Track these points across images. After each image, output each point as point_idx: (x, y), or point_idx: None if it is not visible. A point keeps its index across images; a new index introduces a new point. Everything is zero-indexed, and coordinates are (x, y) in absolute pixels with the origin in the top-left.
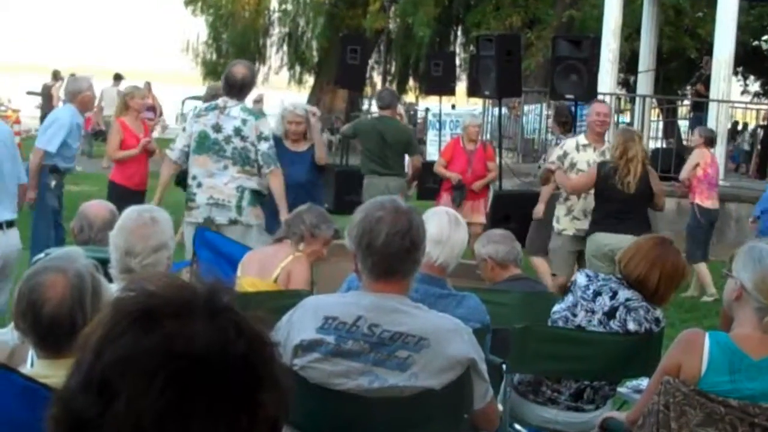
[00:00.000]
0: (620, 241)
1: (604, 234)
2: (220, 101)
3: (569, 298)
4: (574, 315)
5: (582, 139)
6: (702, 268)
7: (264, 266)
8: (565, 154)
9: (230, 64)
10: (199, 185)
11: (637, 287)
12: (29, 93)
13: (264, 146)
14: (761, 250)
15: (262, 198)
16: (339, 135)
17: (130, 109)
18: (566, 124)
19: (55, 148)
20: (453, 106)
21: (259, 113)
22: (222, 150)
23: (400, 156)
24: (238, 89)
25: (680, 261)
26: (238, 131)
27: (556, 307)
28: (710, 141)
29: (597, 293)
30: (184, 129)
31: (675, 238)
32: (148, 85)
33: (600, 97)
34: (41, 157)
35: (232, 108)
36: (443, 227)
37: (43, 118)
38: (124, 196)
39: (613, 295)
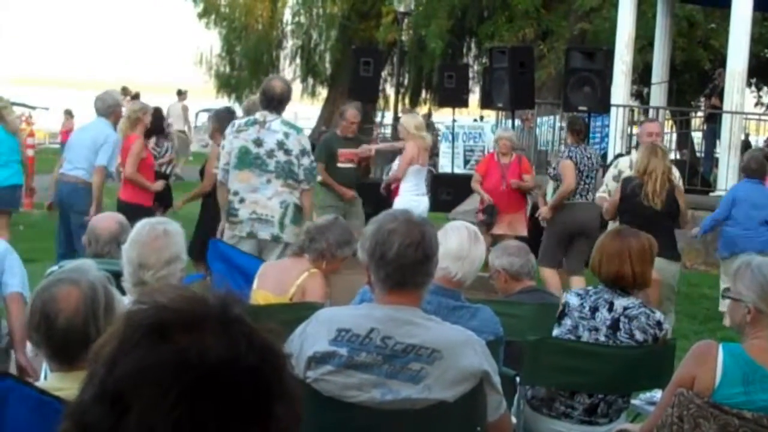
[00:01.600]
0: None
1: None
2: (258, 115)
3: (567, 322)
4: (578, 337)
5: (625, 160)
6: None
7: (279, 282)
8: (620, 173)
9: (267, 79)
10: (242, 200)
11: (620, 285)
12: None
13: (307, 161)
14: (759, 265)
15: (301, 216)
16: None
17: (140, 125)
18: (580, 134)
19: (113, 166)
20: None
21: (298, 127)
22: (264, 164)
23: None
24: (277, 103)
25: (642, 239)
26: (281, 145)
27: (556, 332)
28: None
29: (594, 309)
30: (223, 147)
31: (687, 250)
32: (124, 90)
33: (613, 109)
34: (103, 176)
35: (272, 122)
36: (463, 243)
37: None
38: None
39: (610, 307)
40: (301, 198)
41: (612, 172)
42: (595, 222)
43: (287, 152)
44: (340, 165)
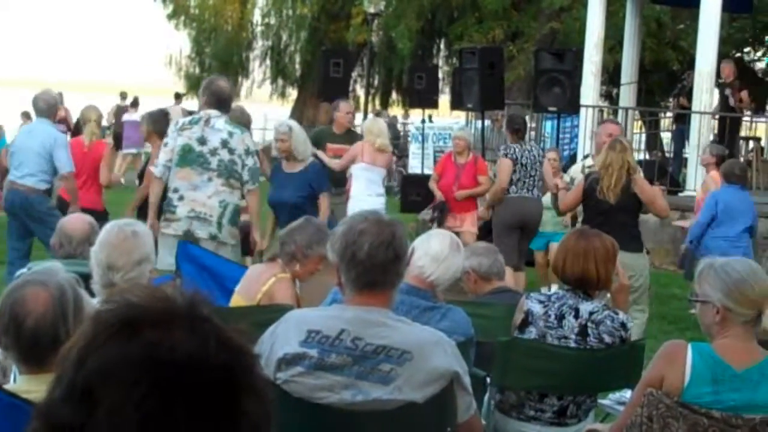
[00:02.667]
0: None
1: None
2: (203, 114)
3: (531, 330)
4: None
5: (589, 161)
6: None
7: (249, 288)
8: (572, 180)
9: (212, 79)
10: (181, 198)
11: (584, 286)
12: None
13: (251, 162)
14: (722, 264)
15: (239, 217)
16: None
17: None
18: (518, 132)
19: (72, 166)
20: (430, 118)
21: (242, 127)
22: (207, 162)
23: None
24: (221, 102)
25: (605, 240)
26: (225, 143)
27: (519, 337)
28: (722, 160)
29: (560, 317)
30: (165, 144)
31: (657, 249)
32: (60, 96)
33: (582, 109)
34: (74, 180)
35: (216, 120)
36: (444, 247)
37: (116, 138)
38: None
39: (576, 313)
40: (246, 198)
41: (566, 179)
42: (538, 217)
43: (231, 151)
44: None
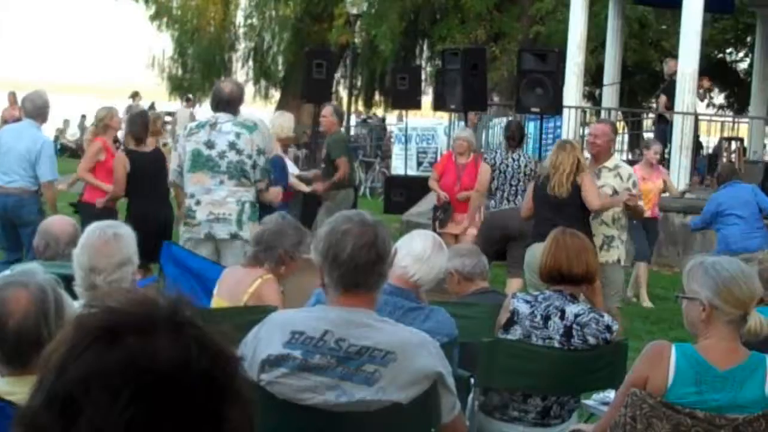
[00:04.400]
0: None
1: (538, 244)
2: (210, 117)
3: (517, 329)
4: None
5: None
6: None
7: (233, 290)
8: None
9: (218, 82)
10: (198, 203)
11: (569, 280)
12: None
13: (261, 161)
14: (712, 263)
15: (258, 212)
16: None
17: (109, 130)
18: (509, 140)
19: (56, 174)
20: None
21: (251, 126)
22: (217, 166)
23: None
24: (226, 104)
25: (580, 236)
26: (232, 145)
27: (503, 338)
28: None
29: (546, 317)
30: (175, 149)
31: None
32: (13, 95)
33: (565, 110)
34: (55, 189)
35: (223, 123)
36: (427, 247)
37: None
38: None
39: (562, 315)
40: (262, 195)
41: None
42: (521, 225)
43: (239, 152)
44: None
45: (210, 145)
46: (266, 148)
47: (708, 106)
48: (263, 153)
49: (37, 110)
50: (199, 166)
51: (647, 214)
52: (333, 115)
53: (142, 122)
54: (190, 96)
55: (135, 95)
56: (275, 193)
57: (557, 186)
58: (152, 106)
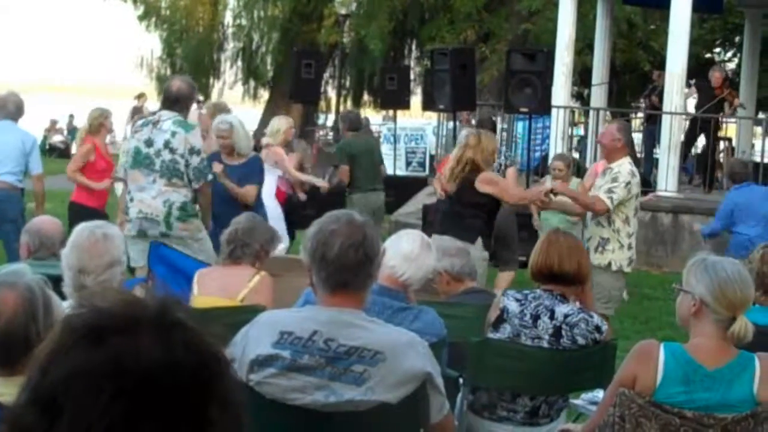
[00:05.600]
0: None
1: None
2: (156, 116)
3: (506, 328)
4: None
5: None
6: None
7: (226, 286)
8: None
9: (169, 80)
10: (132, 200)
11: (560, 279)
12: None
13: (195, 161)
14: (714, 262)
15: (190, 212)
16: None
17: (102, 130)
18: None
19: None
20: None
21: (189, 125)
22: (152, 164)
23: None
24: (170, 102)
25: (570, 236)
26: (167, 144)
27: (493, 337)
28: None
29: (536, 317)
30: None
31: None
32: (141, 96)
33: (554, 110)
34: (43, 182)
35: (164, 122)
36: (415, 247)
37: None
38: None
39: (551, 314)
40: (198, 196)
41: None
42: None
43: (172, 151)
44: None
45: (149, 143)
46: (200, 148)
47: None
48: (197, 153)
49: (16, 111)
50: (137, 163)
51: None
52: (341, 121)
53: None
54: (201, 98)
55: (140, 96)
56: (250, 191)
57: (446, 181)
58: (199, 101)
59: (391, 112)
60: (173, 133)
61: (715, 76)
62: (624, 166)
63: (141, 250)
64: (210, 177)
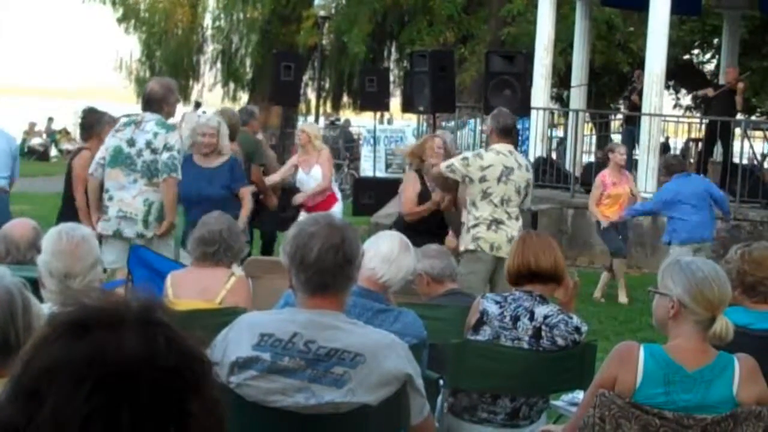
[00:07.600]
0: None
1: None
2: (138, 116)
3: (486, 330)
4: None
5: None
6: None
7: (203, 289)
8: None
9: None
10: (111, 198)
11: (538, 278)
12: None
13: (165, 155)
14: (690, 263)
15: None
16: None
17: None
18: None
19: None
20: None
21: (171, 126)
22: (133, 164)
23: None
24: (145, 103)
25: (546, 235)
26: (149, 144)
27: (472, 339)
28: None
29: (515, 318)
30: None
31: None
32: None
33: (533, 112)
34: None
35: (147, 123)
36: (394, 248)
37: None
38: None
39: (531, 316)
40: (161, 187)
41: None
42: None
43: (153, 151)
44: None
45: (131, 143)
46: (174, 146)
47: (675, 107)
48: (168, 149)
49: None
50: (117, 162)
51: (615, 217)
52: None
53: (98, 122)
54: (199, 101)
55: (197, 105)
56: (246, 195)
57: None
58: (198, 103)
59: (387, 114)
60: (155, 134)
61: (729, 72)
62: (485, 151)
63: (116, 250)
64: (177, 175)
